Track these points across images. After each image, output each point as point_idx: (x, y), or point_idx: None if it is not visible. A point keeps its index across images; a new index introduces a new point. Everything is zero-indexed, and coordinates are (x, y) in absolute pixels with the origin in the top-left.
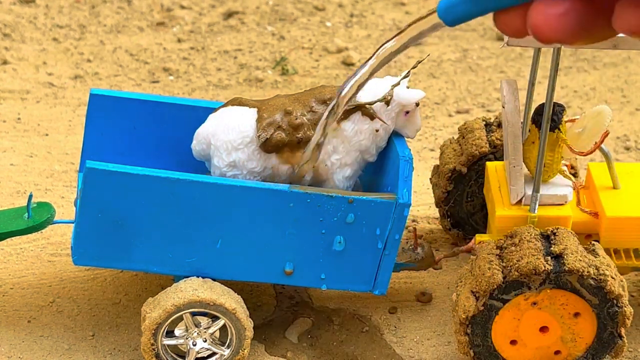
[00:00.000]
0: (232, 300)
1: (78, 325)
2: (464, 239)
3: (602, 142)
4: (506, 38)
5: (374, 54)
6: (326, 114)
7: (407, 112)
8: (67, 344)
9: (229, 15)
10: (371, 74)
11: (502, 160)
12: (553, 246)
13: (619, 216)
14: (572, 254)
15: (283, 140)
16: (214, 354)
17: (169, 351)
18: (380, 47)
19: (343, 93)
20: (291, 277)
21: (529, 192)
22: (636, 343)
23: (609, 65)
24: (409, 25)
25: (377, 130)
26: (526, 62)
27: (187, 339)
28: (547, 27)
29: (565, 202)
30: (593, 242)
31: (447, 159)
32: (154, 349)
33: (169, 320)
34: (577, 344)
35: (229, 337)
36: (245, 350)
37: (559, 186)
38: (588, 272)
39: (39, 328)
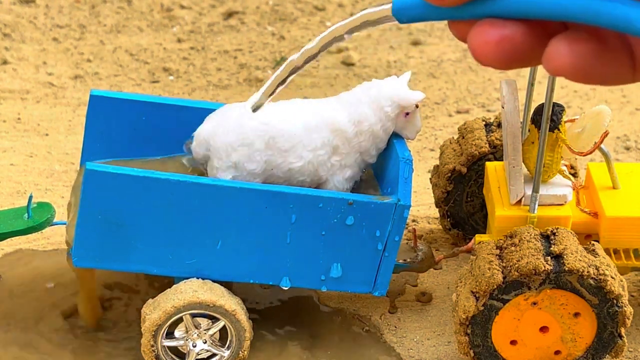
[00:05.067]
0: (232, 302)
1: (78, 325)
2: (464, 239)
3: (601, 142)
4: None
5: (320, 36)
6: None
7: (407, 114)
8: (65, 344)
9: (229, 15)
10: (313, 56)
11: (502, 160)
12: (553, 246)
13: (618, 216)
14: (572, 254)
15: None
16: (214, 355)
17: (169, 352)
18: (328, 30)
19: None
20: (291, 278)
21: (529, 192)
22: (636, 343)
23: None
24: (361, 13)
25: (379, 129)
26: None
27: (187, 340)
28: (481, 53)
29: (565, 202)
30: (593, 242)
31: (447, 159)
32: (153, 350)
33: (169, 322)
34: (577, 344)
35: (228, 339)
36: (245, 352)
37: (559, 186)
38: (588, 272)
39: (38, 328)
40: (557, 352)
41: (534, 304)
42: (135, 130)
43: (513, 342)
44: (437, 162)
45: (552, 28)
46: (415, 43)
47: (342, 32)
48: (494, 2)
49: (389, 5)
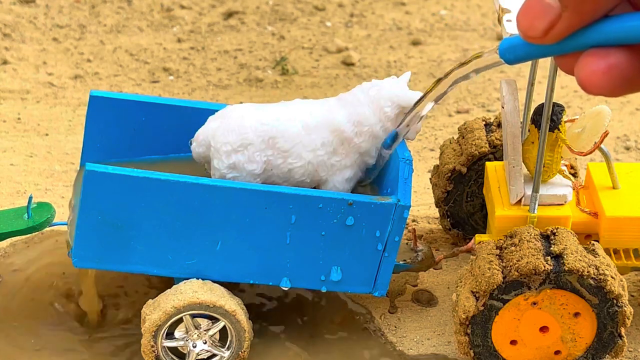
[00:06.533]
0: (232, 302)
1: (78, 325)
2: (464, 239)
3: (601, 142)
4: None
5: (434, 85)
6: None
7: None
8: (66, 345)
9: (229, 15)
10: (428, 103)
11: (502, 160)
12: (553, 246)
13: (618, 216)
14: (572, 254)
15: None
16: (214, 355)
17: (169, 353)
18: (441, 78)
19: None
20: (291, 279)
21: (529, 192)
22: (636, 343)
23: None
24: (471, 59)
25: (378, 130)
26: (526, 62)
27: (187, 340)
28: (590, 83)
29: (565, 202)
30: (593, 242)
31: (447, 159)
32: (154, 351)
33: (169, 322)
34: (577, 344)
35: (228, 339)
36: (245, 352)
37: (559, 186)
38: (588, 272)
39: (38, 328)
40: (557, 352)
41: (534, 304)
42: (135, 131)
43: (513, 342)
44: (437, 162)
45: None
46: (415, 43)
47: (453, 80)
48: (592, 32)
49: (496, 51)
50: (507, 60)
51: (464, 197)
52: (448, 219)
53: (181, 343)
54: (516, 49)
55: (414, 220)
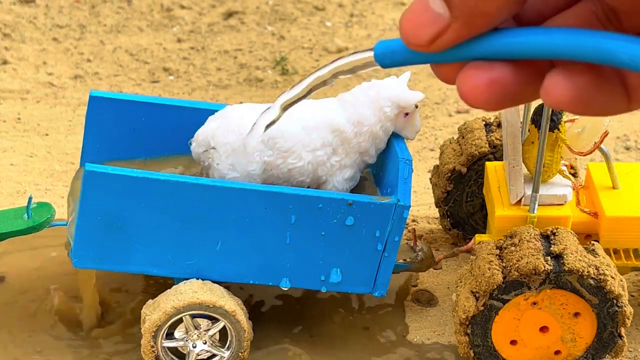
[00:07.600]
0: (232, 303)
1: (78, 326)
2: (464, 239)
3: (601, 142)
4: None
5: (302, 80)
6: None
7: (407, 114)
8: (66, 345)
9: (229, 15)
10: (296, 101)
11: (502, 160)
12: (553, 246)
13: (618, 216)
14: (571, 254)
15: None
16: (214, 355)
17: (169, 353)
18: (312, 74)
19: (266, 115)
20: (291, 279)
21: (529, 192)
22: (636, 343)
23: None
24: (344, 57)
25: (378, 130)
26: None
27: (187, 341)
28: (472, 96)
29: (565, 202)
30: (593, 242)
31: (447, 159)
32: (154, 351)
33: (169, 323)
34: (577, 344)
35: (228, 339)
36: (245, 352)
37: (559, 186)
38: (588, 272)
39: (40, 328)
40: (557, 352)
41: (534, 304)
42: (135, 131)
43: (513, 342)
44: (437, 162)
45: (539, 65)
46: None
47: (327, 77)
48: (478, 45)
49: (372, 53)
50: (383, 65)
51: (464, 197)
52: (448, 219)
53: (181, 343)
54: (394, 55)
55: (414, 220)
